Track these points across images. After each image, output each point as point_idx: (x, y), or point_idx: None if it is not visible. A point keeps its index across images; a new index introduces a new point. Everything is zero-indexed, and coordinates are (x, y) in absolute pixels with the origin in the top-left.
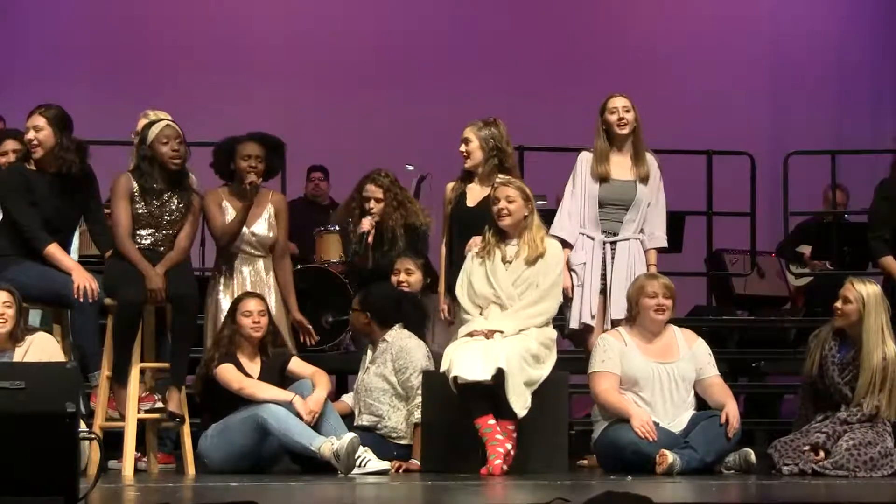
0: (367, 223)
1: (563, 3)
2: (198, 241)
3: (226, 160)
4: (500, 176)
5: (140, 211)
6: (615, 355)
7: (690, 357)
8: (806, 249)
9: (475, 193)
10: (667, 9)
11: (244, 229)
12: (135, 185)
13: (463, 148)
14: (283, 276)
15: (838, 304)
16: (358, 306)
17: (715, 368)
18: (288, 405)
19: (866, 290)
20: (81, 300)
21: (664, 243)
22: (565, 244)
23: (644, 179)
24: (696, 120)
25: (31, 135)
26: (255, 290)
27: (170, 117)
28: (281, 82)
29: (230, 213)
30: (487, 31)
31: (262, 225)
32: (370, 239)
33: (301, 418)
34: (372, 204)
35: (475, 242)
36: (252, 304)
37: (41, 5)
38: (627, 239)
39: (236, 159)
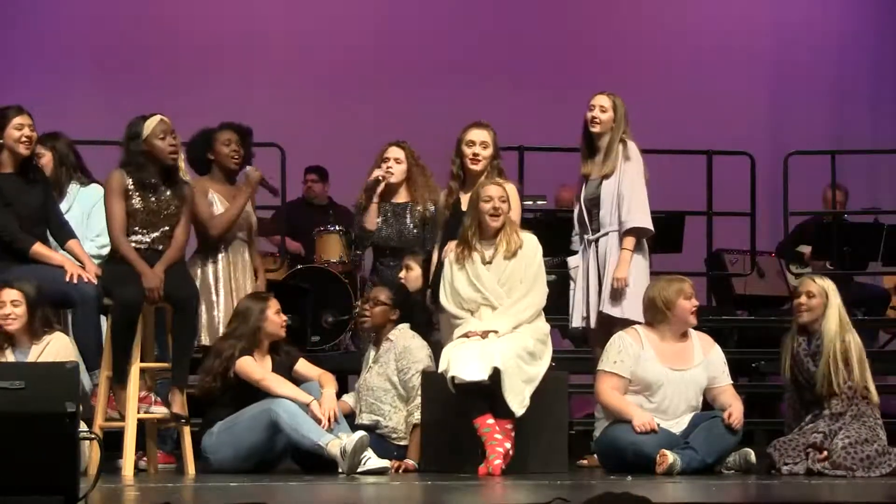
0: (378, 171)
1: (564, 3)
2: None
3: (202, 151)
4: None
5: (136, 206)
6: (629, 358)
7: (705, 364)
8: (806, 249)
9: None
10: (668, 9)
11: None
12: (129, 180)
13: (480, 151)
14: (259, 258)
15: (802, 301)
16: (389, 302)
17: (728, 377)
18: (304, 407)
19: (825, 283)
20: (76, 282)
21: (637, 223)
22: (573, 252)
23: (608, 176)
24: (696, 120)
25: (27, 132)
26: (245, 274)
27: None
28: (281, 83)
29: (217, 203)
30: (487, 31)
31: (247, 207)
32: (379, 189)
33: (318, 421)
34: (391, 163)
35: (450, 248)
36: (277, 303)
37: (43, 6)
38: (606, 234)
39: (216, 146)
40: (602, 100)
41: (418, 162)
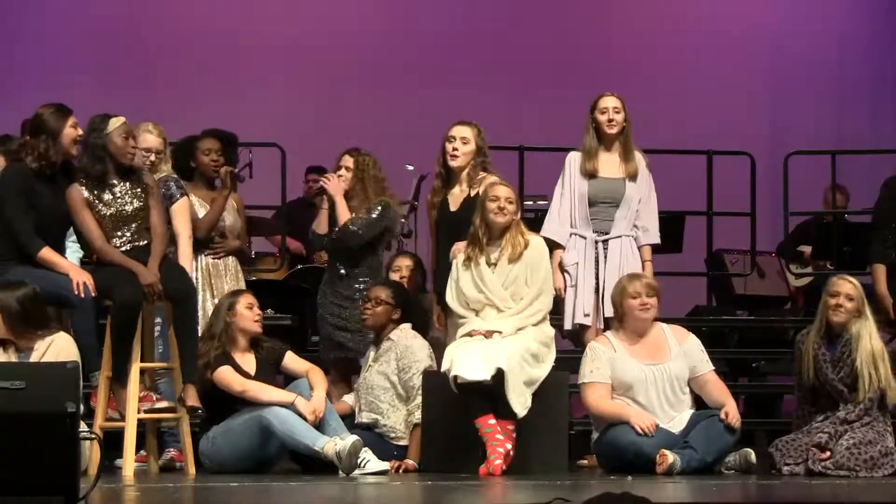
0: (323, 180)
1: (563, 3)
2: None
3: (185, 158)
4: (492, 177)
5: (103, 213)
6: (604, 364)
7: (682, 355)
8: (806, 249)
9: (456, 197)
10: (667, 9)
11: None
12: (85, 192)
13: (459, 146)
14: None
15: (840, 301)
16: (391, 301)
17: (709, 364)
18: (290, 406)
19: (859, 287)
20: (83, 296)
21: (658, 239)
22: (556, 245)
23: (633, 177)
24: (696, 120)
25: (79, 130)
26: (221, 281)
27: (163, 132)
28: (280, 83)
29: (199, 208)
30: (487, 32)
31: (231, 214)
32: (328, 195)
33: (304, 419)
34: (342, 171)
35: (459, 248)
36: (251, 299)
37: (43, 6)
38: (619, 237)
39: (196, 155)
40: (614, 101)
41: (366, 173)
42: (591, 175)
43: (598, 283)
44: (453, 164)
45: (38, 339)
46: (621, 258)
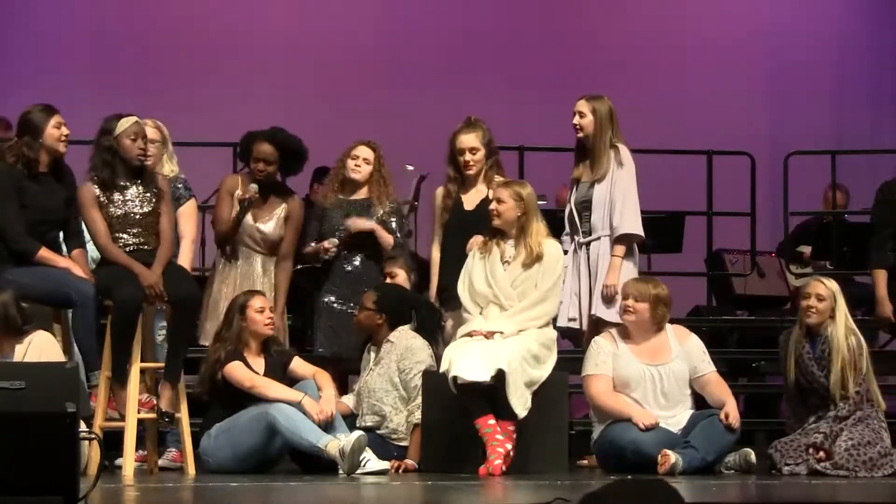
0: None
1: (564, 3)
2: (197, 242)
3: (245, 152)
4: (498, 178)
5: (112, 213)
6: (607, 357)
7: (683, 355)
8: (806, 249)
9: (472, 197)
10: (667, 9)
11: (251, 222)
12: (97, 190)
13: (469, 157)
14: (283, 276)
15: (812, 303)
16: (373, 307)
17: (711, 365)
18: (297, 405)
19: (833, 285)
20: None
21: (627, 230)
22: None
23: (599, 181)
24: (696, 120)
25: (65, 130)
26: (246, 285)
27: (165, 127)
28: (282, 83)
29: (238, 206)
30: (489, 31)
31: (272, 223)
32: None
33: (311, 418)
34: (360, 162)
35: (476, 241)
36: (264, 301)
37: (43, 4)
38: (598, 238)
39: (250, 159)
40: (580, 105)
41: (383, 166)
42: (575, 182)
43: (579, 286)
44: (470, 172)
45: (18, 342)
46: (595, 260)
